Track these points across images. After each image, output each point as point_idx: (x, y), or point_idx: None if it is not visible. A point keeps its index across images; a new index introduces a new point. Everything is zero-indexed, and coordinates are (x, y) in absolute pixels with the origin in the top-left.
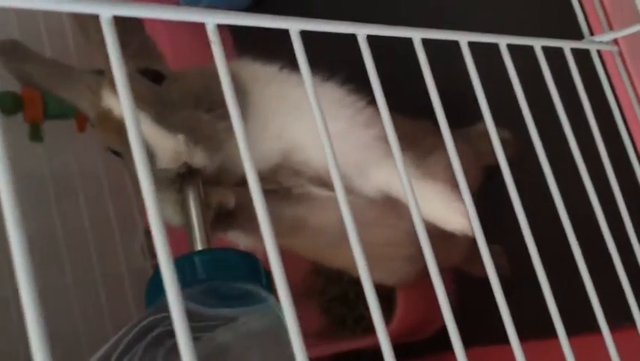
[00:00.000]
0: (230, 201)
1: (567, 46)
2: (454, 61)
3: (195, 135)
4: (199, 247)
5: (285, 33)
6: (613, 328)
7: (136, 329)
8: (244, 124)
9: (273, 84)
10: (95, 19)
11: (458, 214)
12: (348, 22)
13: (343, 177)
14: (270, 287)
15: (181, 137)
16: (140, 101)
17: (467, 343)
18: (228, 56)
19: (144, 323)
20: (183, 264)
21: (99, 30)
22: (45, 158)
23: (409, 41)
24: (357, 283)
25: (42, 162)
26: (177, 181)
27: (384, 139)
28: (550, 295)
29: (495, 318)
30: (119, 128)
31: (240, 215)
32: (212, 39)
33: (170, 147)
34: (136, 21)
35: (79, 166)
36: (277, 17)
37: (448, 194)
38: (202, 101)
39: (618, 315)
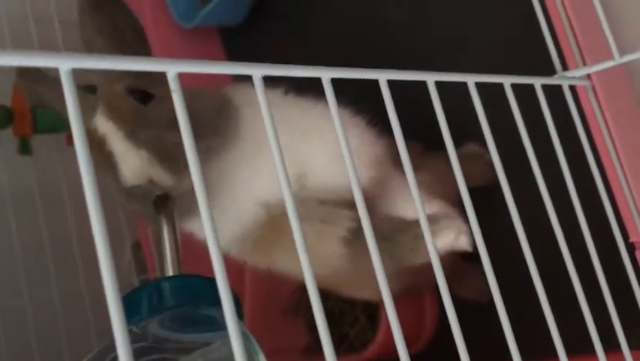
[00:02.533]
0: (166, 182)
1: (538, 82)
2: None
3: (161, 155)
4: (170, 272)
5: (278, 51)
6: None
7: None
8: (233, 147)
9: (279, 108)
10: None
11: (463, 234)
12: (313, 67)
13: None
14: (240, 312)
15: (144, 154)
16: (118, 118)
17: (451, 359)
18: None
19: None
20: (151, 290)
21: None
22: (34, 171)
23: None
24: (342, 301)
25: (30, 176)
26: (153, 203)
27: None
28: (507, 322)
29: (479, 340)
30: (100, 145)
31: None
32: (173, 87)
33: (132, 163)
34: (141, 32)
35: (67, 180)
36: (240, 63)
37: (452, 214)
38: (177, 123)
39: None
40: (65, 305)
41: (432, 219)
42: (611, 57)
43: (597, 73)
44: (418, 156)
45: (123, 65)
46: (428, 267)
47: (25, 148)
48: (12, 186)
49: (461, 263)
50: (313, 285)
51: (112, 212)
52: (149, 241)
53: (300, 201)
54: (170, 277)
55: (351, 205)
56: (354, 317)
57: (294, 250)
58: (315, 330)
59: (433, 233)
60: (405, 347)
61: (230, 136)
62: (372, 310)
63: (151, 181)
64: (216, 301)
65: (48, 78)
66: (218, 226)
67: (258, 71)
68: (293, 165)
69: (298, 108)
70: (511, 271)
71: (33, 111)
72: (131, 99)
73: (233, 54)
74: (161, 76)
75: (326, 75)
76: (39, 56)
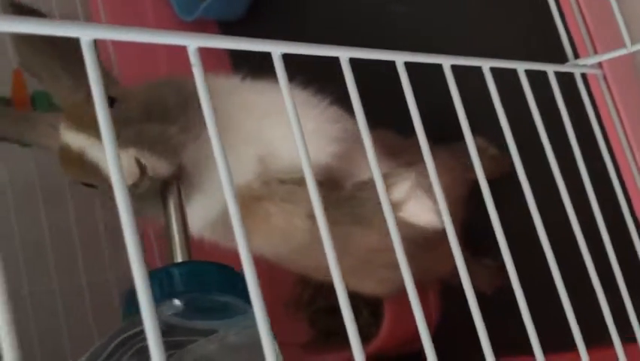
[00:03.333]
0: (165, 170)
1: (550, 69)
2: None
3: (148, 146)
4: (179, 258)
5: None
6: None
7: (116, 341)
8: (201, 133)
9: (235, 94)
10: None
11: (429, 211)
12: (331, 46)
13: (331, 171)
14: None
15: (131, 150)
16: (88, 127)
17: (454, 355)
18: (226, 69)
19: (124, 335)
20: (161, 276)
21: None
22: (34, 163)
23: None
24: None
25: (30, 167)
26: (160, 193)
27: (350, 132)
28: (527, 312)
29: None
30: (80, 161)
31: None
32: (193, 61)
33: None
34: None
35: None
36: (260, 40)
37: (421, 191)
38: (154, 113)
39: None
40: (66, 298)
41: (388, 175)
42: (622, 45)
43: (608, 61)
44: (415, 149)
45: (144, 37)
46: (433, 261)
47: None
48: (11, 177)
49: (467, 257)
50: (341, 283)
51: (111, 207)
52: (150, 236)
53: (264, 182)
54: (179, 264)
55: (317, 183)
56: (356, 312)
57: (262, 233)
58: (315, 324)
59: (389, 186)
60: (427, 329)
61: (197, 124)
62: (375, 305)
63: (148, 177)
64: (226, 288)
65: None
66: (199, 210)
67: (277, 49)
68: (256, 147)
69: (256, 92)
70: (517, 263)
71: (33, 101)
72: (92, 107)
73: (235, 51)
74: (112, 78)
75: (344, 55)
76: (60, 26)
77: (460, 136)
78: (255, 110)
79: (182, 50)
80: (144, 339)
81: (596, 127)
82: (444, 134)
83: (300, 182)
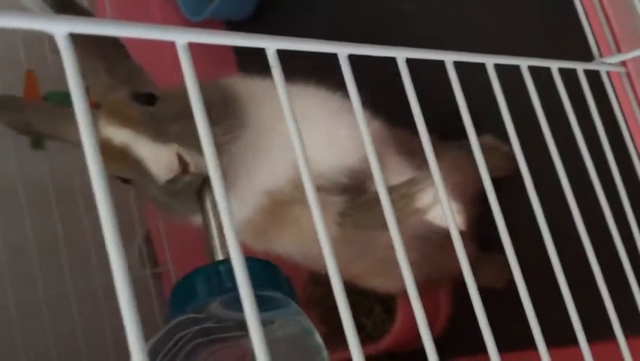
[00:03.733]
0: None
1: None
2: (462, 76)
3: (192, 142)
4: (219, 255)
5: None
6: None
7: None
8: (239, 136)
9: (271, 99)
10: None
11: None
12: (329, 42)
13: (359, 174)
14: (293, 294)
15: (174, 145)
16: (133, 123)
17: (466, 351)
18: (231, 68)
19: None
20: (209, 273)
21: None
22: (47, 166)
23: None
24: (356, 292)
25: (44, 170)
26: (197, 191)
27: (379, 136)
28: (529, 307)
29: (493, 328)
30: (122, 155)
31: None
32: (182, 58)
33: (163, 157)
34: (123, 50)
35: (79, 173)
36: (254, 36)
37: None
38: (188, 115)
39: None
40: (80, 300)
41: (417, 180)
42: None
43: (632, 60)
44: (433, 145)
45: (128, 32)
46: (446, 259)
47: (37, 143)
48: (25, 181)
49: (478, 252)
50: (338, 278)
51: (122, 204)
52: (160, 233)
53: (297, 187)
54: (224, 261)
55: (343, 189)
56: (368, 308)
57: (293, 235)
58: (326, 322)
59: (418, 191)
60: (428, 330)
61: (236, 125)
62: (388, 301)
63: (189, 172)
64: (268, 283)
65: (30, 104)
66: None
67: (272, 45)
68: (292, 153)
69: (292, 96)
70: (524, 260)
71: (45, 101)
72: (136, 104)
73: (240, 49)
74: (149, 78)
75: (343, 51)
76: (36, 20)
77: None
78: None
79: (192, 50)
80: (192, 339)
81: (622, 123)
82: (457, 131)
83: (328, 189)
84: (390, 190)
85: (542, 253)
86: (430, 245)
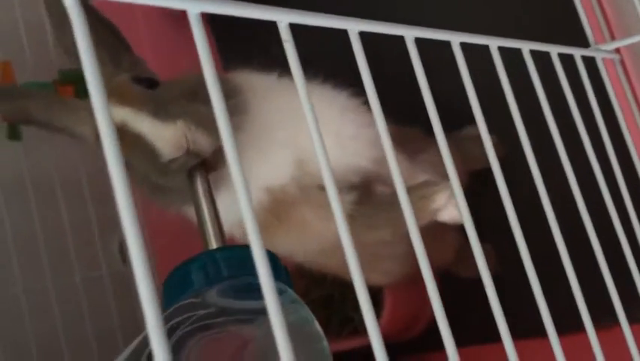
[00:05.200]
0: (206, 146)
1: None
2: (443, 63)
3: (196, 121)
4: (213, 243)
5: (271, 33)
6: (599, 327)
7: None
8: (240, 130)
9: (274, 94)
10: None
11: (452, 205)
12: (340, 17)
13: (367, 175)
14: (290, 282)
15: (180, 122)
16: (134, 101)
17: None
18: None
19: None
20: (205, 261)
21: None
22: (23, 157)
23: (396, 42)
24: (342, 284)
25: (20, 162)
26: (188, 175)
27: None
28: (541, 294)
29: (481, 318)
30: (120, 134)
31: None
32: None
33: (170, 134)
34: (125, 42)
35: (58, 165)
36: (266, 8)
37: (445, 185)
38: (197, 95)
39: (606, 314)
40: (60, 295)
41: (429, 183)
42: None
43: (626, 47)
44: (423, 137)
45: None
46: (434, 251)
47: (13, 133)
48: (1, 172)
49: (466, 245)
50: (360, 276)
51: (104, 196)
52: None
53: (301, 188)
54: (219, 249)
55: (351, 188)
56: (356, 301)
57: (293, 233)
58: (317, 317)
59: (432, 194)
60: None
61: (238, 116)
62: (375, 293)
63: (189, 151)
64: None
65: (30, 93)
66: (227, 206)
67: (284, 17)
68: (293, 151)
69: (295, 93)
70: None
71: None
72: (138, 86)
73: (223, 39)
74: (148, 68)
75: (354, 27)
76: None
77: (458, 124)
78: (292, 113)
79: (164, 35)
80: (186, 326)
81: (617, 109)
82: (441, 122)
83: (338, 188)
84: (408, 191)
85: (540, 239)
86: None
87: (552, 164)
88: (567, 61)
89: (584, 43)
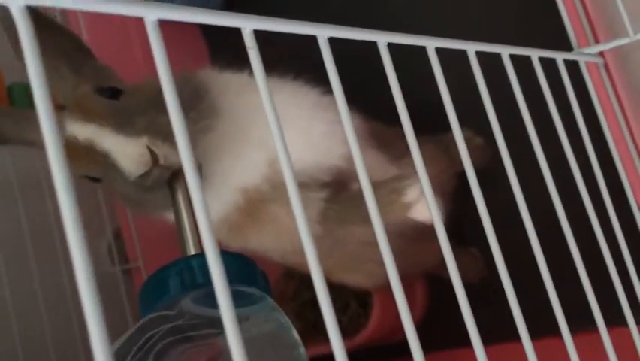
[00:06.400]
0: (178, 159)
1: (560, 57)
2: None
3: (162, 134)
4: (192, 250)
5: (260, 34)
6: (576, 331)
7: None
8: (212, 129)
9: (245, 93)
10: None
11: (424, 204)
12: (309, 23)
13: (339, 172)
14: (268, 289)
15: (144, 138)
16: (97, 117)
17: (439, 345)
18: (203, 61)
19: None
20: (181, 268)
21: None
22: (9, 158)
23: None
24: (331, 286)
25: (6, 164)
26: (168, 184)
27: (358, 133)
28: (515, 299)
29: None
30: (89, 152)
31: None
32: (152, 36)
33: (134, 151)
34: (88, 52)
35: (45, 167)
36: (229, 14)
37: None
38: (163, 104)
39: (585, 318)
40: (48, 297)
41: (401, 177)
42: (624, 35)
43: (610, 50)
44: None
45: (95, 6)
46: (420, 253)
47: None
48: None
49: (454, 247)
50: (320, 275)
51: (92, 198)
52: (131, 229)
53: (274, 186)
54: (196, 256)
55: (323, 185)
56: (344, 303)
57: (272, 234)
58: (300, 317)
59: (403, 188)
60: (412, 325)
61: (209, 118)
62: (363, 296)
63: (158, 165)
64: (243, 278)
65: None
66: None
67: (248, 24)
68: (265, 151)
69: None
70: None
71: (9, 94)
72: (100, 98)
73: (213, 38)
74: (112, 73)
75: (323, 33)
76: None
77: (446, 127)
78: (264, 112)
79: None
80: (163, 338)
81: (600, 113)
82: (429, 125)
83: (308, 186)
84: (379, 185)
85: (518, 244)
86: (405, 240)
87: (536, 167)
88: (550, 65)
89: (567, 47)
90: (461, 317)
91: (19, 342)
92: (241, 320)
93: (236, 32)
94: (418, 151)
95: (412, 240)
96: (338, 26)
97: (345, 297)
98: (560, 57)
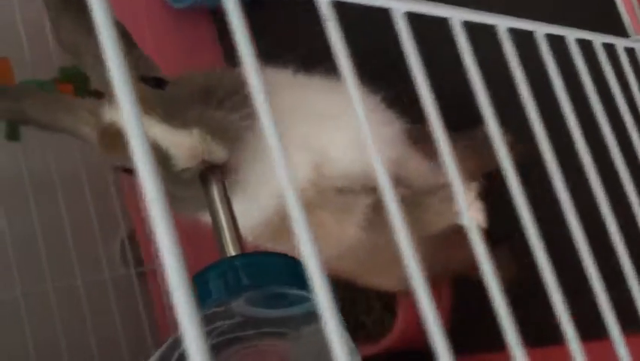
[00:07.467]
0: (222, 156)
1: (621, 43)
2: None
3: (210, 129)
4: (231, 249)
5: (274, 31)
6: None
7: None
8: (255, 132)
9: (289, 91)
10: (87, 41)
11: (473, 208)
12: None
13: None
14: None
15: (196, 131)
16: (145, 104)
17: (465, 348)
18: (214, 49)
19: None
20: (224, 270)
21: (92, 52)
22: (22, 158)
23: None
24: (353, 289)
25: (19, 162)
26: (201, 180)
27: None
28: (560, 300)
29: (495, 323)
30: (126, 140)
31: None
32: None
33: (187, 143)
34: (130, 39)
35: (57, 166)
36: None
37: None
38: (210, 98)
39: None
40: (60, 299)
41: (447, 186)
42: None
43: None
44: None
45: None
46: (448, 256)
47: (12, 134)
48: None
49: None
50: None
51: (105, 198)
52: (145, 231)
53: (319, 191)
54: (239, 256)
55: (370, 190)
56: (367, 305)
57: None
58: None
59: (451, 198)
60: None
61: (251, 122)
62: (387, 298)
63: (203, 160)
64: (289, 278)
65: (28, 93)
66: (241, 210)
67: None
68: (311, 153)
69: (312, 89)
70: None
71: None
72: (146, 87)
73: (226, 35)
74: (154, 64)
75: (399, 6)
76: None
77: (473, 123)
78: (310, 111)
79: (167, 32)
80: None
81: None
82: (458, 119)
83: (357, 191)
84: (431, 194)
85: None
86: (435, 243)
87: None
88: (590, 49)
89: (621, 33)
90: (489, 320)
91: (31, 345)
92: (291, 322)
93: (249, 16)
94: (451, 156)
95: (442, 242)
96: (415, 1)
97: (367, 299)
98: (620, 44)
